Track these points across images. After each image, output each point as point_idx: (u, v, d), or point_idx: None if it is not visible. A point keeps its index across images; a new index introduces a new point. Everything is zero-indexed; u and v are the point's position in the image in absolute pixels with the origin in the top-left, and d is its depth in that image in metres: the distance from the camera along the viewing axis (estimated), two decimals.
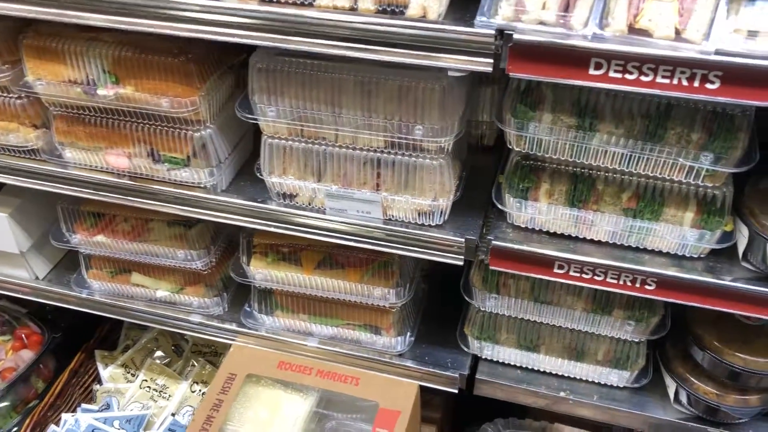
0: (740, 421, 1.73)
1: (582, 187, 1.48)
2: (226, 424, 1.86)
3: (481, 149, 1.81)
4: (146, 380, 2.39)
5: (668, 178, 1.39)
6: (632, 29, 1.18)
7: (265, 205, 1.66)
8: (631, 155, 1.37)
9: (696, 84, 1.16)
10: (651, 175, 1.40)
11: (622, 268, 1.48)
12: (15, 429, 2.29)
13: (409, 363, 1.90)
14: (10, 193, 2.00)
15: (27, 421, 2.27)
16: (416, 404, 1.90)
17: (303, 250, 1.83)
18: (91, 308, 2.13)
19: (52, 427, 2.29)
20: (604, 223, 1.48)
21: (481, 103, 1.72)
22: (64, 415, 2.30)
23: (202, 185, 1.69)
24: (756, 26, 1.15)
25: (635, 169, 1.39)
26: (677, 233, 1.45)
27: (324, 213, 1.64)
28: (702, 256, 1.49)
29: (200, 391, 2.34)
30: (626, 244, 1.51)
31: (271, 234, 1.76)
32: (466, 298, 1.74)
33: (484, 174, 1.71)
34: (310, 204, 1.66)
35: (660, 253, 1.50)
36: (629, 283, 1.49)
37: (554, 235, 1.56)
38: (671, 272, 1.45)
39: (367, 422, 1.85)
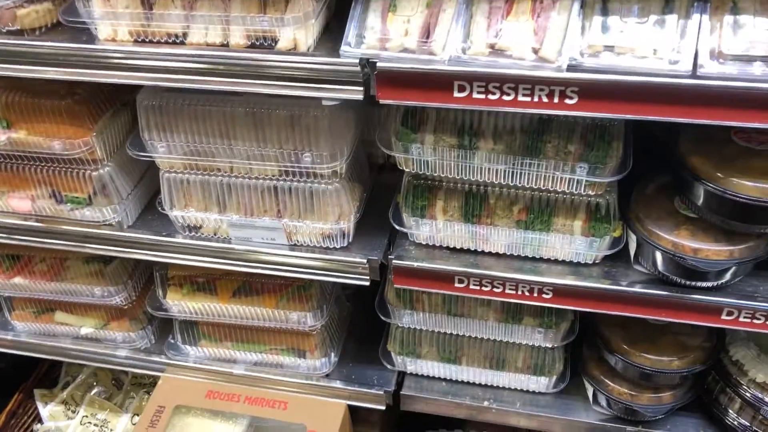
0: (656, 417, 1.76)
1: (474, 202, 1.50)
2: None
3: (388, 168, 1.82)
4: (87, 416, 2.38)
5: (552, 189, 1.42)
6: (493, 50, 1.21)
7: (171, 239, 1.67)
8: (513, 171, 1.40)
9: (555, 100, 1.18)
10: (536, 187, 1.42)
11: (518, 279, 1.50)
12: None
13: (335, 383, 1.92)
14: None
15: None
16: (345, 424, 1.91)
17: (218, 279, 1.83)
18: (18, 349, 2.12)
19: None
20: (498, 236, 1.51)
21: (377, 123, 1.73)
22: None
23: (107, 222, 1.68)
24: (611, 41, 1.18)
25: (519, 183, 1.42)
26: (568, 242, 1.47)
27: (230, 242, 1.65)
28: (596, 262, 1.51)
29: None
30: (523, 255, 1.53)
31: (183, 266, 1.77)
32: (382, 317, 1.76)
33: (391, 192, 1.73)
34: (215, 234, 1.66)
35: (557, 261, 1.52)
36: (527, 293, 1.52)
37: (455, 250, 1.58)
38: (565, 280, 1.48)
39: None
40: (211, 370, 1.98)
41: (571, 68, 1.15)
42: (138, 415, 2.36)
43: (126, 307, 1.94)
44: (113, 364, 2.07)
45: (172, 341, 2.00)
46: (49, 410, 2.42)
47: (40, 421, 2.43)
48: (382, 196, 1.72)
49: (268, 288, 1.81)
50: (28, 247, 1.78)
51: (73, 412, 2.41)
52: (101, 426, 2.36)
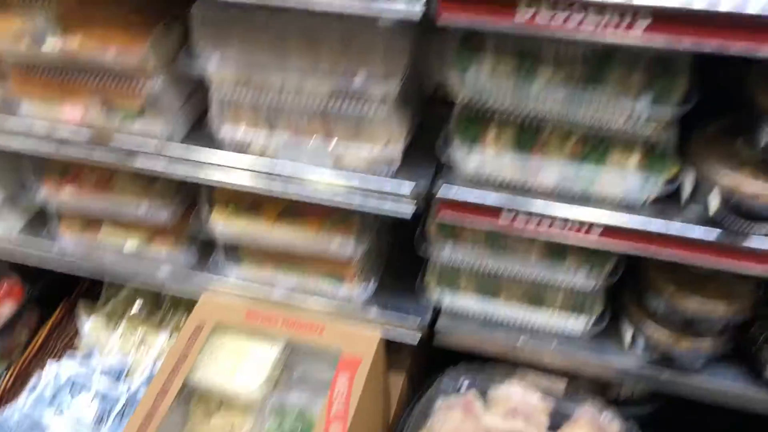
0: (693, 366, 1.74)
1: (528, 132, 1.47)
2: (193, 372, 1.90)
3: (437, 100, 1.79)
4: (127, 331, 2.45)
5: (611, 122, 1.38)
6: None
7: (218, 157, 1.67)
8: (572, 100, 1.36)
9: (625, 27, 1.14)
10: (594, 119, 1.39)
11: (567, 216, 1.48)
12: (0, 378, 2.36)
13: (372, 312, 1.93)
14: None
15: (11, 370, 2.33)
16: (379, 352, 1.93)
17: (263, 201, 1.84)
18: (63, 266, 2.16)
19: (36, 375, 2.36)
20: (550, 170, 1.48)
21: (430, 51, 1.69)
22: (48, 364, 2.37)
23: (157, 136, 1.69)
24: None
25: (577, 114, 1.38)
26: (622, 178, 1.44)
27: (276, 163, 1.64)
28: (649, 201, 1.48)
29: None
30: (573, 191, 1.50)
31: (229, 185, 1.78)
32: (422, 250, 1.75)
33: (439, 125, 1.69)
34: (262, 155, 1.66)
35: (606, 199, 1.49)
36: (575, 231, 1.49)
37: (504, 183, 1.55)
38: (615, 219, 1.45)
39: (331, 370, 1.88)
40: (250, 291, 2.01)
41: None
42: (177, 332, 2.42)
43: (170, 225, 1.96)
44: (156, 282, 2.10)
45: (214, 261, 2.03)
46: (91, 323, 2.49)
47: (82, 332, 2.51)
48: (430, 128, 1.69)
49: (312, 212, 1.81)
50: (77, 159, 1.79)
51: (114, 326, 2.48)
52: (140, 341, 2.43)
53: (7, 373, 2.33)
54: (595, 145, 1.44)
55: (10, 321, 2.38)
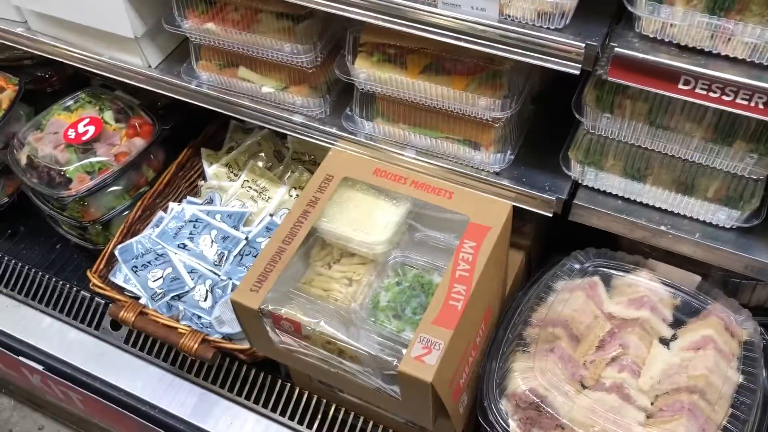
0: None
1: None
2: (320, 219, 1.92)
3: None
4: (248, 181, 2.49)
5: None
6: None
7: None
8: None
9: None
10: None
11: (756, 86, 1.35)
12: (127, 211, 2.46)
13: (505, 182, 1.87)
14: None
15: (138, 204, 2.43)
16: (507, 224, 1.88)
17: (410, 52, 1.77)
18: (198, 100, 2.18)
19: (160, 212, 2.45)
20: (746, 36, 1.34)
21: None
22: (171, 204, 2.45)
23: None
24: None
25: None
26: None
27: (436, 6, 1.56)
28: None
29: (297, 196, 2.41)
30: (766, 63, 1.36)
31: (379, 32, 1.71)
32: (577, 116, 1.66)
33: None
34: None
35: None
36: (762, 106, 1.36)
37: (685, 48, 1.42)
38: None
39: (456, 238, 1.86)
40: (381, 149, 1.98)
41: None
42: (296, 188, 2.45)
43: (310, 70, 1.93)
44: (288, 130, 2.10)
45: (349, 113, 2.00)
46: (213, 170, 2.55)
47: (204, 178, 2.58)
48: None
49: (459, 69, 1.74)
50: None
51: (236, 175, 2.53)
52: (260, 192, 2.47)
53: (134, 207, 2.43)
54: None
55: (139, 156, 2.45)
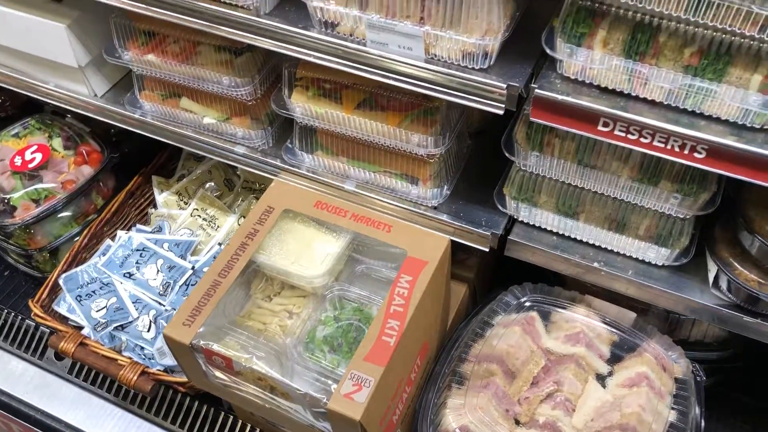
0: None
1: (642, 37, 1.34)
2: (258, 252, 1.91)
3: None
4: (197, 209, 2.48)
5: (739, 31, 1.24)
6: None
7: (306, 33, 1.61)
8: (698, 3, 1.22)
9: None
10: (720, 27, 1.24)
11: (673, 131, 1.36)
12: (75, 238, 2.44)
13: (443, 216, 1.87)
14: (69, 6, 2.01)
15: (85, 232, 2.41)
16: (445, 258, 1.88)
17: (345, 88, 1.77)
18: (143, 130, 2.18)
19: (108, 240, 2.43)
20: (661, 80, 1.35)
21: None
22: (120, 231, 2.43)
23: (245, 6, 1.63)
24: None
25: (702, 18, 1.24)
26: (740, 97, 1.30)
27: (365, 45, 1.57)
28: (765, 126, 1.34)
29: None
30: (682, 106, 1.38)
31: (315, 67, 1.72)
32: (507, 155, 1.67)
33: (542, 21, 1.57)
34: (351, 35, 1.58)
35: (718, 119, 1.36)
36: (677, 149, 1.38)
37: (605, 89, 1.43)
38: (726, 140, 1.32)
39: (395, 270, 1.85)
40: (322, 181, 1.98)
41: None
42: (245, 217, 2.44)
43: (250, 102, 1.93)
44: (230, 160, 2.09)
45: (290, 146, 2.00)
46: (164, 197, 2.53)
47: (154, 206, 2.56)
48: (529, 23, 1.57)
49: (393, 105, 1.74)
50: (167, 23, 1.76)
51: (186, 203, 2.51)
52: (209, 221, 2.46)
53: (81, 234, 2.41)
54: (715, 58, 1.30)
55: (87, 184, 2.44)
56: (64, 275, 2.31)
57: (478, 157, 1.99)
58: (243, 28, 1.66)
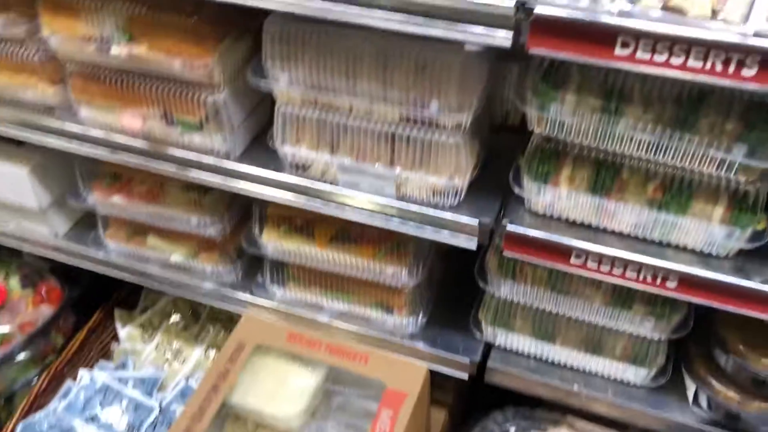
0: (761, 429, 1.64)
1: (606, 174, 1.39)
2: (232, 393, 1.85)
3: (506, 129, 1.72)
4: (162, 342, 2.41)
5: (698, 169, 1.30)
6: (665, 7, 1.09)
7: (277, 176, 1.62)
8: (659, 144, 1.28)
9: (731, 69, 1.06)
10: (679, 165, 1.31)
11: (643, 263, 1.39)
12: (33, 381, 2.33)
13: (419, 345, 1.86)
14: (31, 151, 2.00)
15: (44, 374, 2.30)
16: (425, 387, 1.85)
17: (317, 223, 1.78)
18: (107, 269, 2.13)
19: (69, 381, 2.32)
20: (627, 214, 1.40)
21: (506, 79, 1.63)
22: (81, 371, 2.33)
23: (215, 151, 1.65)
24: None
25: (663, 158, 1.30)
26: (704, 229, 1.36)
27: (336, 186, 1.59)
28: (730, 255, 1.39)
29: (215, 356, 2.34)
30: (649, 238, 1.42)
31: (285, 206, 1.73)
32: (480, 284, 1.68)
33: (508, 155, 1.63)
34: (322, 176, 1.61)
35: (685, 249, 1.41)
36: (649, 280, 1.41)
37: (574, 223, 1.48)
38: (695, 270, 1.37)
39: (375, 401, 1.81)
40: (295, 313, 1.95)
41: (757, 35, 1.03)
42: (212, 348, 2.38)
43: (219, 240, 1.92)
44: (198, 295, 2.06)
45: (260, 280, 1.98)
46: (127, 332, 2.45)
47: (117, 340, 2.48)
48: (497, 158, 1.63)
49: (366, 239, 1.76)
50: (131, 166, 1.76)
51: (150, 336, 2.44)
52: (175, 354, 2.38)
53: (40, 378, 2.30)
54: (678, 192, 1.36)
55: (46, 324, 2.35)
56: (22, 422, 2.19)
57: (454, 280, 1.99)
58: (214, 172, 1.67)
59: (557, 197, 1.43)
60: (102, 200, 1.94)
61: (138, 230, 2.04)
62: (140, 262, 2.07)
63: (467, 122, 1.42)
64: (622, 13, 1.08)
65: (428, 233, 1.56)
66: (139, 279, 2.10)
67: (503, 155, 1.63)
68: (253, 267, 2.03)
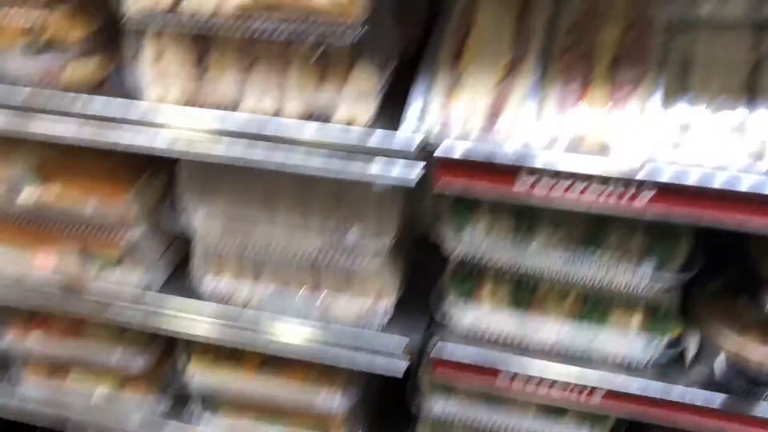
0: None
1: (524, 290, 1.42)
2: None
3: (429, 242, 1.74)
4: None
5: (612, 283, 1.33)
6: (562, 141, 1.15)
7: (199, 307, 1.59)
8: (571, 261, 1.32)
9: (625, 200, 1.12)
10: (594, 280, 1.34)
11: (569, 379, 1.41)
12: None
13: None
14: None
15: None
16: None
17: (245, 350, 1.74)
18: (23, 413, 2.01)
19: None
20: (549, 327, 1.42)
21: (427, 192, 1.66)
22: None
23: (133, 286, 1.61)
24: (686, 120, 1.12)
25: (576, 274, 1.34)
26: (624, 338, 1.38)
27: (260, 314, 1.56)
28: (652, 362, 1.41)
29: None
30: (572, 350, 1.44)
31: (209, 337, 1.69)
32: (413, 401, 1.66)
33: (433, 268, 1.64)
34: (245, 306, 1.58)
35: (607, 359, 1.43)
36: (576, 394, 1.42)
37: (499, 340, 1.48)
38: (618, 383, 1.38)
39: None
40: None
41: (647, 168, 1.09)
42: None
43: (144, 373, 1.84)
44: (128, 430, 1.96)
45: (189, 410, 1.90)
46: None
47: None
48: (423, 271, 1.63)
49: (296, 364, 1.71)
50: (47, 308, 1.70)
51: None
52: None
53: None
54: (595, 304, 1.39)
55: None
56: None
57: (391, 387, 1.94)
58: (134, 308, 1.62)
59: (481, 314, 1.44)
60: (18, 340, 1.85)
61: (59, 367, 1.94)
62: (62, 400, 1.96)
63: (387, 247, 1.43)
64: (519, 152, 1.13)
65: (357, 361, 1.53)
66: (60, 420, 1.98)
67: (430, 268, 1.62)
68: (183, 395, 1.95)
